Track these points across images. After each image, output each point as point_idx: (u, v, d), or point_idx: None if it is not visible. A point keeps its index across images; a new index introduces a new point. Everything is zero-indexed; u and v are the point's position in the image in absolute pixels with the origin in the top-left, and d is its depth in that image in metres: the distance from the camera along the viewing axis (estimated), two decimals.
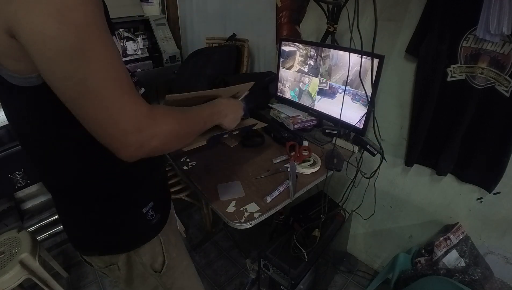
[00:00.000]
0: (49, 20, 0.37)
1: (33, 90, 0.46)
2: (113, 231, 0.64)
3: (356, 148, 1.12)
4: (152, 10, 2.29)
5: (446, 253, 1.16)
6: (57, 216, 1.72)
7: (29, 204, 2.01)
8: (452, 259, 1.15)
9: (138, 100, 0.46)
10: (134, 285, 0.72)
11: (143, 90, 0.67)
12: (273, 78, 1.48)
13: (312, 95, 1.26)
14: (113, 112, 0.43)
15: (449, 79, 1.05)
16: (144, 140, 0.46)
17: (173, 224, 0.80)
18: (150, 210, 0.67)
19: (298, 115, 1.30)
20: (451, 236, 1.17)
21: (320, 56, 1.18)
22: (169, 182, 1.52)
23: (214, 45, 1.89)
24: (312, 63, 1.22)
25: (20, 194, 1.95)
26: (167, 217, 0.73)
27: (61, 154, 0.55)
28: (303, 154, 1.05)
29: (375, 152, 1.08)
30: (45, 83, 0.43)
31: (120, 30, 2.00)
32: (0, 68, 0.44)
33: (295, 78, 1.31)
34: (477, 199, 1.14)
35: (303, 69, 1.26)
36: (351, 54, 0.98)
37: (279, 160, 1.07)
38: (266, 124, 1.11)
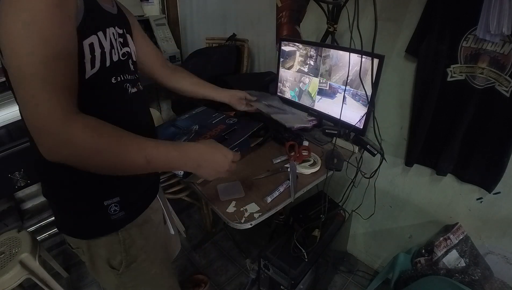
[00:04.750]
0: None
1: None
2: (73, 216, 0.67)
3: (356, 148, 1.12)
4: (152, 10, 2.29)
5: (446, 253, 1.16)
6: None
7: (29, 204, 2.00)
8: (452, 259, 1.15)
9: (58, 102, 0.46)
10: (100, 276, 0.74)
11: (134, 90, 0.68)
12: (273, 78, 1.48)
13: (312, 95, 1.26)
14: (31, 106, 0.45)
15: (449, 79, 1.05)
16: (53, 144, 0.46)
17: (149, 228, 0.77)
18: (114, 205, 0.66)
19: None
20: (451, 236, 1.17)
21: (320, 56, 1.18)
22: (169, 182, 1.51)
23: (214, 45, 1.89)
24: (312, 63, 1.22)
25: (20, 194, 1.94)
26: (134, 217, 0.72)
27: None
28: (303, 154, 1.05)
29: (375, 152, 1.08)
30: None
31: None
32: None
33: (295, 78, 1.31)
34: (477, 199, 1.14)
35: (303, 69, 1.26)
36: (351, 54, 0.98)
37: (279, 160, 1.07)
38: (262, 123, 1.12)
